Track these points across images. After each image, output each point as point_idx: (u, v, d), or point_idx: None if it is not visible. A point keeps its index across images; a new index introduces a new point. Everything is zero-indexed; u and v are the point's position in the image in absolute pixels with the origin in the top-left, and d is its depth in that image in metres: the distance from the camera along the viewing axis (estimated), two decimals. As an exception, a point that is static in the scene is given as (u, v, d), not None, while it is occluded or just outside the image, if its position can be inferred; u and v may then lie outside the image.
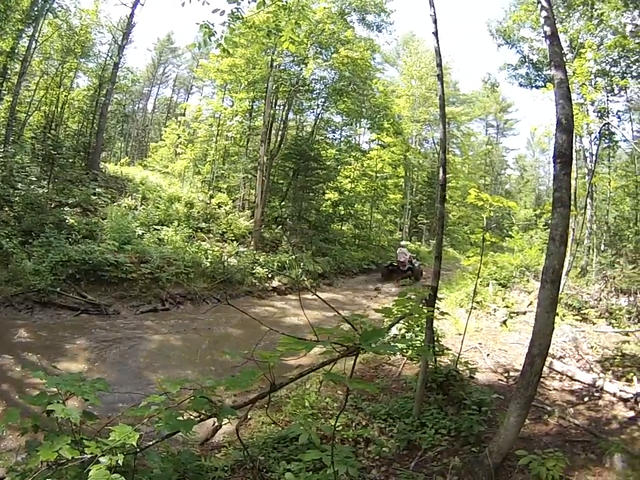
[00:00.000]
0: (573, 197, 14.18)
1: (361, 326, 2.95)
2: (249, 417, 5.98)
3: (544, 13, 4.73)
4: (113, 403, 6.22)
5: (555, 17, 17.14)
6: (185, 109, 33.57)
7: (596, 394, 6.88)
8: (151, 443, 3.11)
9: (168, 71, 50.40)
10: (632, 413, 6.20)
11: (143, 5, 21.79)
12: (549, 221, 4.40)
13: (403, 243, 25.12)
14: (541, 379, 7.44)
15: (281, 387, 3.32)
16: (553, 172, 4.31)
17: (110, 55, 23.25)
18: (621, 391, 6.69)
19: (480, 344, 9.18)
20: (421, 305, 5.59)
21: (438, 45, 5.96)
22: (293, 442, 4.63)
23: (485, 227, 7.84)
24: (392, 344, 6.44)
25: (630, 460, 4.59)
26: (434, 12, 5.88)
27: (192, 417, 3.01)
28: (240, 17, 6.96)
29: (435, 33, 5.93)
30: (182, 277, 13.99)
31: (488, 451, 4.28)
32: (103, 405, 4.74)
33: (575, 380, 7.46)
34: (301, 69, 22.71)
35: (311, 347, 2.71)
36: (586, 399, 6.80)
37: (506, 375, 7.59)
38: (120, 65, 22.78)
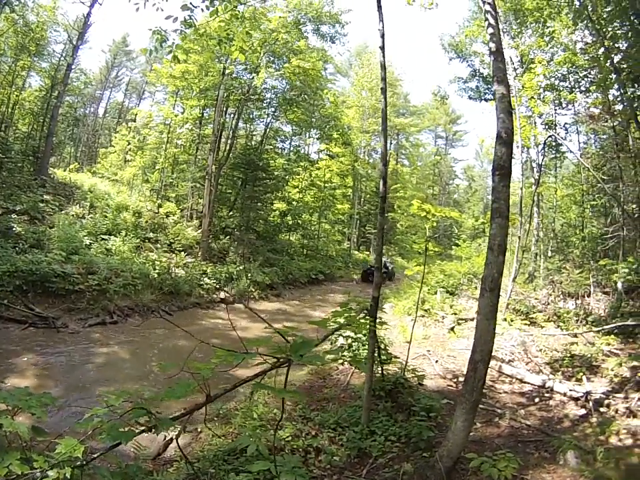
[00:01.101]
0: (520, 206, 14.84)
1: (293, 337, 2.96)
2: (199, 430, 5.94)
3: (490, 30, 4.90)
4: (62, 417, 6.08)
5: (508, 33, 17.79)
6: (136, 115, 32.91)
7: (546, 395, 7.12)
8: (95, 455, 3.05)
9: (121, 75, 49.09)
10: (583, 411, 6.44)
11: (101, 4, 21.05)
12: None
13: None
14: (491, 383, 7.67)
15: (216, 397, 3.29)
16: (491, 184, 4.44)
17: (64, 55, 22.58)
18: (571, 390, 6.95)
19: (429, 351, 9.39)
20: (362, 315, 5.67)
21: (384, 59, 6.05)
22: (242, 453, 4.61)
23: (427, 237, 7.90)
24: (333, 354, 6.54)
25: (583, 455, 4.76)
26: (382, 27, 5.98)
27: (133, 429, 2.99)
28: (192, 24, 6.92)
29: (382, 48, 6.01)
30: (129, 288, 13.59)
31: (438, 455, 4.36)
32: (53, 420, 4.79)
33: (525, 382, 7.70)
34: (253, 78, 22.59)
35: (241, 358, 2.76)
36: (537, 399, 7.03)
37: (455, 380, 7.77)
38: (73, 66, 22.12)
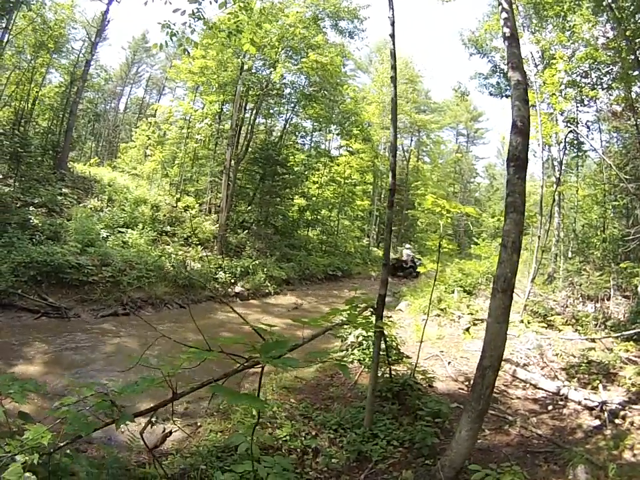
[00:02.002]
0: (540, 205, 14.44)
1: (270, 336, 2.79)
2: (199, 424, 5.84)
3: (504, 15, 4.66)
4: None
5: (528, 28, 17.42)
6: (156, 110, 33.06)
7: (560, 402, 6.81)
8: (62, 444, 3.04)
9: (141, 71, 49.36)
10: (597, 422, 6.11)
11: (119, 2, 21.26)
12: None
13: (407, 245, 28.88)
14: (504, 387, 7.39)
15: (182, 395, 3.31)
16: (506, 176, 4.19)
17: (83, 52, 22.75)
18: (585, 399, 6.63)
19: (442, 352, 9.09)
20: (369, 313, 5.45)
21: (394, 47, 5.78)
22: (237, 451, 4.46)
23: (441, 234, 7.65)
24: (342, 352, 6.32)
25: (593, 471, 4.47)
26: (392, 14, 5.74)
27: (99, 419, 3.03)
28: (201, 17, 6.90)
29: (392, 36, 5.77)
30: (143, 280, 13.59)
31: (440, 464, 4.13)
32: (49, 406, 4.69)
33: (539, 388, 7.39)
34: (271, 73, 22.47)
35: (204, 357, 2.79)
36: (550, 407, 6.72)
37: (467, 383, 7.46)
38: (92, 63, 22.27)
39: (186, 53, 7.53)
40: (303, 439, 5.09)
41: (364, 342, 8.06)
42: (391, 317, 12.92)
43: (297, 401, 6.31)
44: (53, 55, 21.90)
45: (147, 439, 5.11)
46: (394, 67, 5.75)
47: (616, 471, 4.39)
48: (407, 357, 7.98)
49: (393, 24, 5.72)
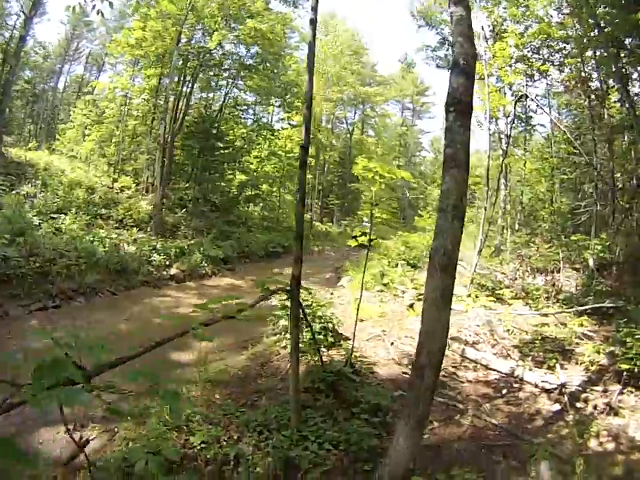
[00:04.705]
0: (487, 176, 14.14)
1: None
2: (116, 430, 5.04)
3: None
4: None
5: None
6: (94, 87, 31.32)
7: (515, 385, 6.31)
8: None
9: (81, 47, 46.14)
10: (557, 406, 5.65)
11: None
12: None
13: (365, 219, 27.64)
14: (453, 370, 6.86)
15: None
16: (445, 123, 3.46)
17: (17, 27, 21.22)
18: (543, 381, 6.16)
19: (384, 331, 8.42)
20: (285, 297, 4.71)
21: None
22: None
23: (373, 201, 6.84)
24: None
25: (559, 466, 3.98)
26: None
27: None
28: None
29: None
30: (73, 269, 12.60)
31: (378, 476, 3.48)
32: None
33: (491, 369, 6.87)
34: (201, 41, 21.65)
35: None
36: (504, 391, 6.20)
37: (411, 366, 6.88)
38: (29, 39, 20.86)
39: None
40: (223, 445, 4.34)
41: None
42: (332, 293, 12.45)
43: (223, 396, 5.60)
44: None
45: (63, 450, 4.64)
46: (314, 8, 4.93)
47: (583, 464, 3.87)
48: (346, 338, 7.43)
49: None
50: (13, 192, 15.84)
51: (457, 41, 3.44)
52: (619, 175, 12.77)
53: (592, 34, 12.51)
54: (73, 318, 10.48)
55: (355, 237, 7.22)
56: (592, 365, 6.56)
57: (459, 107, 3.32)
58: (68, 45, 43.70)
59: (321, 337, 6.95)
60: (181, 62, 21.28)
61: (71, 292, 12.07)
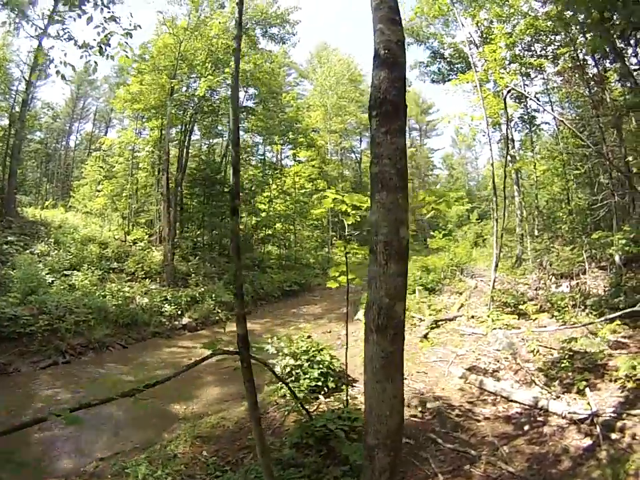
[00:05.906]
0: (493, 184, 13.34)
1: None
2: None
3: None
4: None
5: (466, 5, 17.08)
6: (102, 143, 31.91)
7: (539, 419, 5.46)
8: None
9: (88, 105, 47.49)
10: (588, 441, 4.76)
11: (51, 36, 20.02)
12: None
13: None
14: (469, 406, 6.04)
15: None
16: (369, 131, 2.78)
17: (18, 91, 22.00)
18: (571, 412, 5.28)
19: (395, 367, 7.70)
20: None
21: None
22: None
23: (345, 236, 6.14)
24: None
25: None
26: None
27: None
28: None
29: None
30: (82, 325, 12.79)
31: None
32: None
33: (512, 401, 6.04)
34: (196, 89, 21.53)
35: None
36: (526, 427, 5.35)
37: (422, 407, 6.09)
38: (37, 102, 21.60)
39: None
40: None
41: (294, 372, 6.76)
42: (345, 330, 11.79)
43: (210, 453, 5.16)
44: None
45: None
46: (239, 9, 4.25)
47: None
48: (354, 380, 6.91)
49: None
50: (27, 251, 16.22)
51: (377, 29, 2.79)
52: (631, 158, 11.86)
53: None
54: (79, 373, 10.74)
55: (333, 278, 6.56)
56: (628, 381, 5.62)
57: (384, 109, 2.63)
58: (74, 104, 45.19)
59: (319, 383, 6.59)
60: (182, 112, 21.84)
61: (80, 347, 12.49)
